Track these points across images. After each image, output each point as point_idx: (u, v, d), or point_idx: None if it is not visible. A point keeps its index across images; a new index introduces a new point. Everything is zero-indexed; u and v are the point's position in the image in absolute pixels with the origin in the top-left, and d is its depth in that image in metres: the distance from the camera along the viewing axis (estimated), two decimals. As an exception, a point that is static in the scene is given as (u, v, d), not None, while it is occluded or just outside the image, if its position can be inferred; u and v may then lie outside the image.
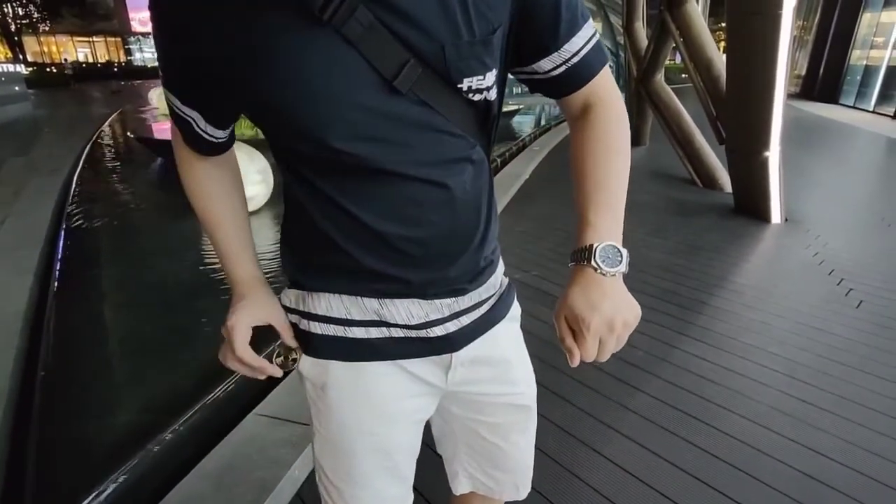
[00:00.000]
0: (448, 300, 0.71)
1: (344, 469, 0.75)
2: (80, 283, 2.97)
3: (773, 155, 3.91)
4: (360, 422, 0.73)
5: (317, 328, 0.71)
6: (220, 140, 0.68)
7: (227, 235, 0.73)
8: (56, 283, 2.88)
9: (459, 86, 0.57)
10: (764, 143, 3.88)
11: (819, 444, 1.72)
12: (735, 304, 2.74)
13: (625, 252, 0.60)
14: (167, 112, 0.67)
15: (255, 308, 0.71)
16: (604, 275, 0.59)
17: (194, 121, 0.63)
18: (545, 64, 0.63)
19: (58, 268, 3.06)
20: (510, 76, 0.68)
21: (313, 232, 0.65)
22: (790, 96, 3.79)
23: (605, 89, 0.68)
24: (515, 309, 0.85)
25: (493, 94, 0.62)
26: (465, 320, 0.73)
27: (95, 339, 2.48)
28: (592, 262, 0.59)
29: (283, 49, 0.52)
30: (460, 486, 0.92)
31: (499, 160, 6.24)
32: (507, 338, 0.82)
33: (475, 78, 0.57)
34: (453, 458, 0.91)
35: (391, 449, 0.76)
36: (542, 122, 11.38)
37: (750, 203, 4.21)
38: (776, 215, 4.07)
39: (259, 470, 1.48)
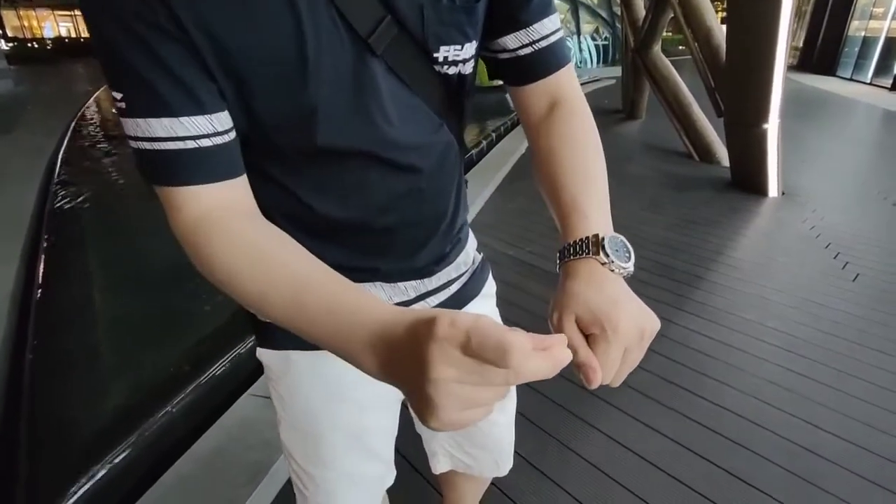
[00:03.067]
0: (413, 282, 0.68)
1: (315, 454, 0.73)
2: (67, 264, 2.91)
3: (772, 127, 3.85)
4: (327, 407, 0.70)
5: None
6: (231, 133, 0.49)
7: (330, 289, 0.45)
8: (43, 265, 2.82)
9: (435, 55, 0.53)
10: (763, 116, 3.81)
11: (816, 418, 1.72)
12: (732, 278, 2.73)
13: (632, 249, 0.51)
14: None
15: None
16: (612, 271, 0.48)
17: (201, 135, 0.46)
18: (511, 41, 0.59)
19: (44, 248, 3.00)
20: None
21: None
22: (787, 68, 3.72)
23: (573, 88, 0.63)
24: (490, 286, 0.81)
25: (468, 69, 0.57)
26: (433, 301, 0.70)
27: (84, 321, 2.44)
28: (602, 255, 0.48)
29: (260, 4, 0.45)
30: (439, 465, 0.93)
31: (493, 135, 6.14)
32: None
33: (452, 47, 0.53)
34: (431, 438, 0.91)
35: (361, 432, 0.74)
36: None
37: (747, 177, 4.17)
38: (773, 189, 4.04)
39: (253, 451, 1.46)
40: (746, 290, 2.60)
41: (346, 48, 0.49)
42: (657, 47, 5.86)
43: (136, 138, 0.46)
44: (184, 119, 0.45)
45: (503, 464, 0.94)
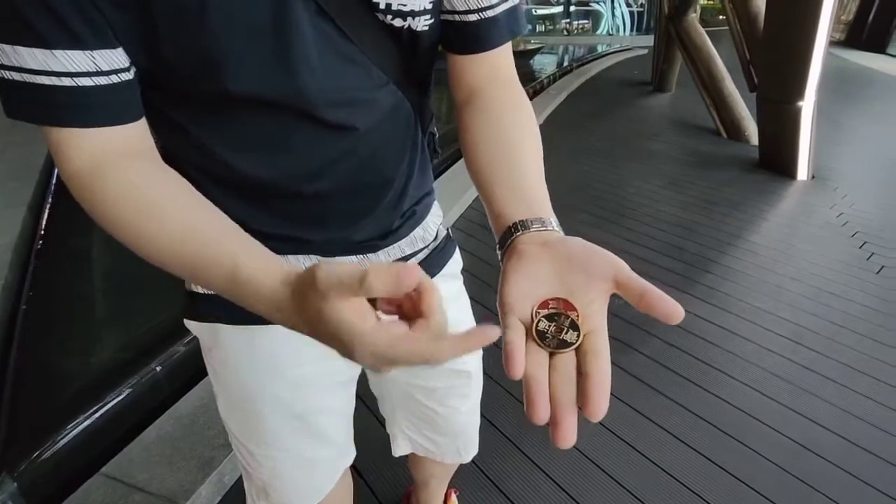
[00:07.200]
0: (354, 258, 0.61)
1: (256, 431, 0.68)
2: (71, 215, 2.93)
3: (808, 105, 3.62)
4: (262, 386, 0.65)
5: (198, 287, 0.62)
6: (123, 74, 0.43)
7: (228, 240, 0.43)
8: (47, 216, 2.84)
9: (375, 0, 0.46)
10: (798, 92, 3.58)
11: (816, 414, 1.65)
12: (747, 263, 2.61)
13: None
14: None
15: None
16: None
17: (80, 73, 0.41)
18: (459, 2, 0.52)
19: (50, 200, 3.02)
20: None
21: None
22: (834, 43, 3.47)
23: (511, 68, 0.57)
24: (454, 265, 0.75)
25: (419, 24, 0.49)
26: None
27: (80, 275, 2.46)
28: (553, 223, 0.43)
29: None
30: (399, 448, 0.90)
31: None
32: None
33: None
34: (392, 421, 0.87)
35: (305, 412, 0.68)
36: (565, 64, 10.78)
37: (776, 157, 3.95)
38: (803, 171, 3.83)
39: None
40: (760, 276, 2.49)
41: None
42: (693, 15, 5.53)
43: (3, 66, 0.40)
44: (58, 52, 0.39)
45: (466, 451, 0.90)
